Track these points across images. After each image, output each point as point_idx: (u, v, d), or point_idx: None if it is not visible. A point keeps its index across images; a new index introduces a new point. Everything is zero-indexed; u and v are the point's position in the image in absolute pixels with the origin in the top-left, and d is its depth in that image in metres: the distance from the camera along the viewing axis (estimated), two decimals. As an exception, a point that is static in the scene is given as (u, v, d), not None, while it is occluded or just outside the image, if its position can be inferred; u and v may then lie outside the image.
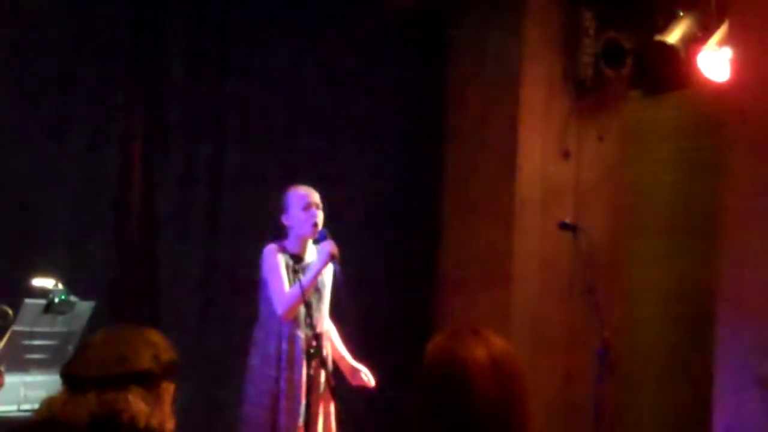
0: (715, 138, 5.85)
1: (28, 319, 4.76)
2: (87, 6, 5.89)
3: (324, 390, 4.89)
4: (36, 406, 2.39)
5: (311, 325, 4.78)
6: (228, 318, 6.09)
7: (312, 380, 4.85)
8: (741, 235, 5.17)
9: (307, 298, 4.80)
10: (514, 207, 6.33)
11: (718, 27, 5.69)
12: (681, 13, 5.88)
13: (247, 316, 5.22)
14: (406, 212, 6.69)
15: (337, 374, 5.06)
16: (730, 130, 5.35)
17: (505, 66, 6.42)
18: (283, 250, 4.98)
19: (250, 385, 4.98)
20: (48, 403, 2.31)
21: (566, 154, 6.49)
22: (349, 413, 4.96)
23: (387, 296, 6.53)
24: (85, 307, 4.99)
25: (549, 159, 6.45)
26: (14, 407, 4.69)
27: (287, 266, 4.95)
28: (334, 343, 5.14)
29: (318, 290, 5.00)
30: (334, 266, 4.87)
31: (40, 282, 4.91)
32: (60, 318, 4.88)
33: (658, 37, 5.89)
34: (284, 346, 4.93)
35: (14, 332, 4.73)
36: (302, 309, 4.89)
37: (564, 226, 5.54)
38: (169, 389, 2.37)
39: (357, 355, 5.20)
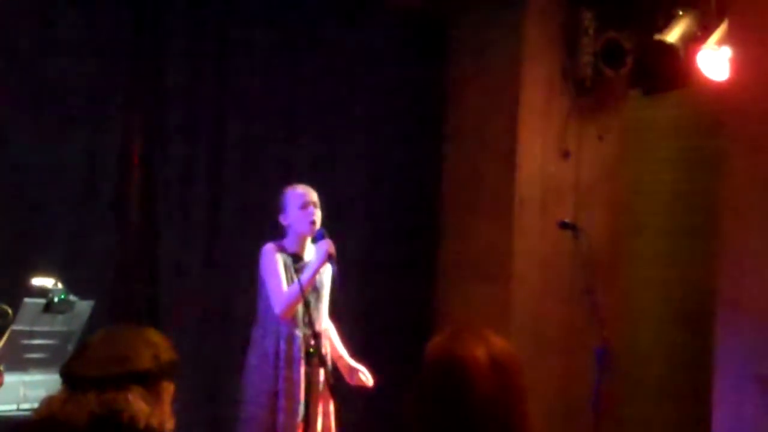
0: (715, 137, 5.85)
1: (28, 318, 4.75)
2: (87, 6, 5.89)
3: (323, 389, 4.89)
4: (35, 405, 2.38)
5: (309, 325, 4.79)
6: (228, 318, 6.09)
7: (311, 379, 4.86)
8: (741, 235, 5.17)
9: (305, 297, 4.81)
10: (514, 207, 6.34)
11: (717, 26, 5.69)
12: (680, 13, 5.88)
13: (246, 316, 5.22)
14: (406, 212, 6.69)
15: (336, 373, 5.06)
16: (730, 129, 5.35)
17: (505, 66, 6.42)
18: (282, 249, 4.99)
19: (248, 384, 4.98)
20: (47, 403, 2.31)
21: (566, 154, 6.49)
22: (348, 412, 4.96)
23: (387, 295, 6.53)
24: (84, 307, 4.98)
25: (549, 159, 6.45)
26: (14, 406, 4.68)
27: (286, 266, 4.95)
28: (332, 343, 5.14)
29: (316, 289, 5.00)
30: (332, 266, 4.88)
31: (39, 281, 4.91)
32: (59, 317, 4.88)
33: (657, 37, 5.89)
34: (282, 345, 4.93)
35: (14, 331, 4.72)
36: (300, 308, 4.91)
37: (564, 226, 5.54)
38: (169, 389, 2.37)
39: (357, 355, 5.20)
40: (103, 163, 5.98)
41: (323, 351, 4.85)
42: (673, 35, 5.84)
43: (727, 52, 5.54)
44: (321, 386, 4.90)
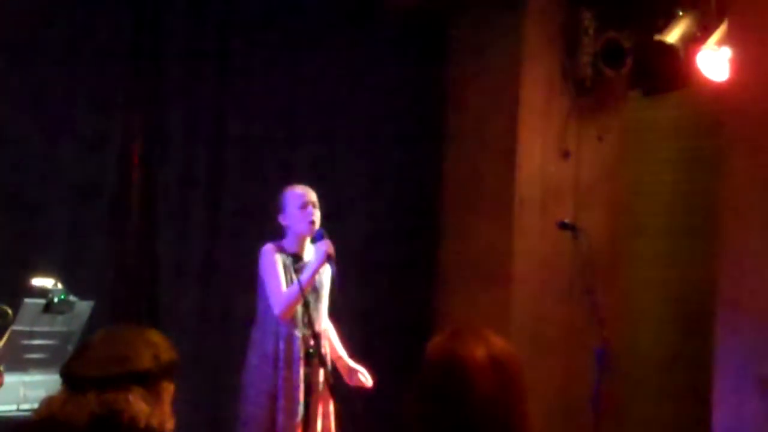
0: (715, 138, 5.85)
1: (28, 318, 4.76)
2: (87, 6, 5.89)
3: (323, 389, 4.89)
4: (35, 405, 2.39)
5: (309, 325, 4.78)
6: (227, 318, 6.10)
7: (311, 380, 4.86)
8: (741, 235, 5.16)
9: (304, 298, 4.81)
10: (514, 207, 6.34)
11: (717, 27, 5.69)
12: (680, 13, 5.88)
13: (246, 316, 5.22)
14: (406, 212, 6.69)
15: (336, 374, 5.06)
16: (730, 129, 5.35)
17: (505, 66, 6.42)
18: (281, 249, 4.99)
19: (248, 384, 4.98)
20: (48, 403, 2.31)
21: (566, 154, 6.49)
22: (348, 413, 4.96)
23: (387, 295, 6.53)
24: (84, 307, 4.98)
25: (549, 159, 6.45)
26: (14, 407, 4.68)
27: (285, 266, 4.95)
28: (332, 343, 5.14)
29: (315, 290, 5.00)
30: (331, 266, 4.88)
31: (39, 281, 4.91)
32: (59, 318, 4.88)
33: (657, 37, 5.89)
34: (281, 345, 4.93)
35: (14, 332, 4.72)
36: (299, 308, 4.90)
37: (563, 226, 5.54)
38: (169, 389, 2.37)
39: (356, 355, 5.20)
40: (103, 163, 5.98)
41: (323, 351, 4.85)
42: (673, 35, 5.84)
43: (727, 53, 5.54)
44: (321, 387, 4.90)
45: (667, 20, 5.92)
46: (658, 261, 6.71)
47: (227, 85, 6.33)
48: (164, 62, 6.16)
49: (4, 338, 4.71)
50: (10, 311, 4.68)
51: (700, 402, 5.53)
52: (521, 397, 2.20)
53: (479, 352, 2.18)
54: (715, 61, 5.68)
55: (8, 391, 4.62)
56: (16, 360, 4.75)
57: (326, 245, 4.81)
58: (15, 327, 4.72)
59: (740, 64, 5.31)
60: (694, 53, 5.77)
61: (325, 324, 5.10)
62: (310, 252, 5.01)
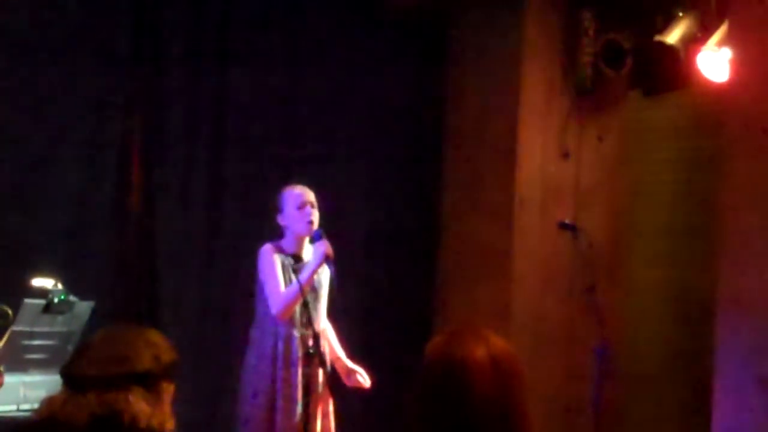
0: (715, 138, 5.84)
1: (28, 318, 4.76)
2: (87, 6, 5.89)
3: (322, 389, 4.89)
4: (36, 406, 2.39)
5: (308, 325, 4.78)
6: (227, 317, 6.10)
7: (310, 380, 4.86)
8: (741, 236, 5.16)
9: (303, 298, 4.81)
10: (514, 206, 6.33)
11: (717, 27, 5.68)
12: (680, 14, 5.87)
13: (246, 316, 5.22)
14: (407, 212, 6.69)
15: (334, 374, 5.06)
16: (730, 130, 5.34)
17: (505, 66, 6.42)
18: (280, 250, 4.99)
19: (247, 384, 4.98)
20: (48, 403, 2.31)
21: (566, 154, 6.49)
22: (347, 413, 4.96)
23: (387, 296, 6.53)
24: (84, 307, 4.99)
25: (549, 159, 6.45)
26: (14, 407, 4.68)
27: (284, 266, 4.95)
28: (330, 344, 5.14)
29: (314, 290, 5.00)
30: (329, 267, 4.87)
31: (39, 282, 4.91)
32: (59, 318, 4.88)
33: (657, 38, 5.88)
34: (280, 345, 4.93)
35: (14, 332, 4.72)
36: (298, 308, 4.90)
37: (564, 226, 5.55)
38: (169, 389, 2.38)
39: (356, 355, 5.20)
40: (103, 163, 5.98)
41: (322, 351, 4.85)
42: (673, 36, 5.84)
43: (727, 53, 5.54)
44: (320, 387, 4.90)
45: (667, 21, 5.91)
46: (658, 261, 6.70)
47: (227, 85, 6.33)
48: (164, 62, 6.16)
49: (4, 338, 4.71)
50: (10, 311, 4.68)
51: (700, 402, 5.53)
52: (521, 397, 2.20)
53: (479, 352, 2.18)
54: (715, 62, 5.67)
55: (8, 391, 4.62)
56: (16, 360, 4.75)
57: (324, 245, 4.80)
58: (15, 327, 4.72)
59: (740, 65, 5.30)
60: (694, 54, 5.77)
61: (323, 324, 5.10)
62: (309, 252, 5.01)
